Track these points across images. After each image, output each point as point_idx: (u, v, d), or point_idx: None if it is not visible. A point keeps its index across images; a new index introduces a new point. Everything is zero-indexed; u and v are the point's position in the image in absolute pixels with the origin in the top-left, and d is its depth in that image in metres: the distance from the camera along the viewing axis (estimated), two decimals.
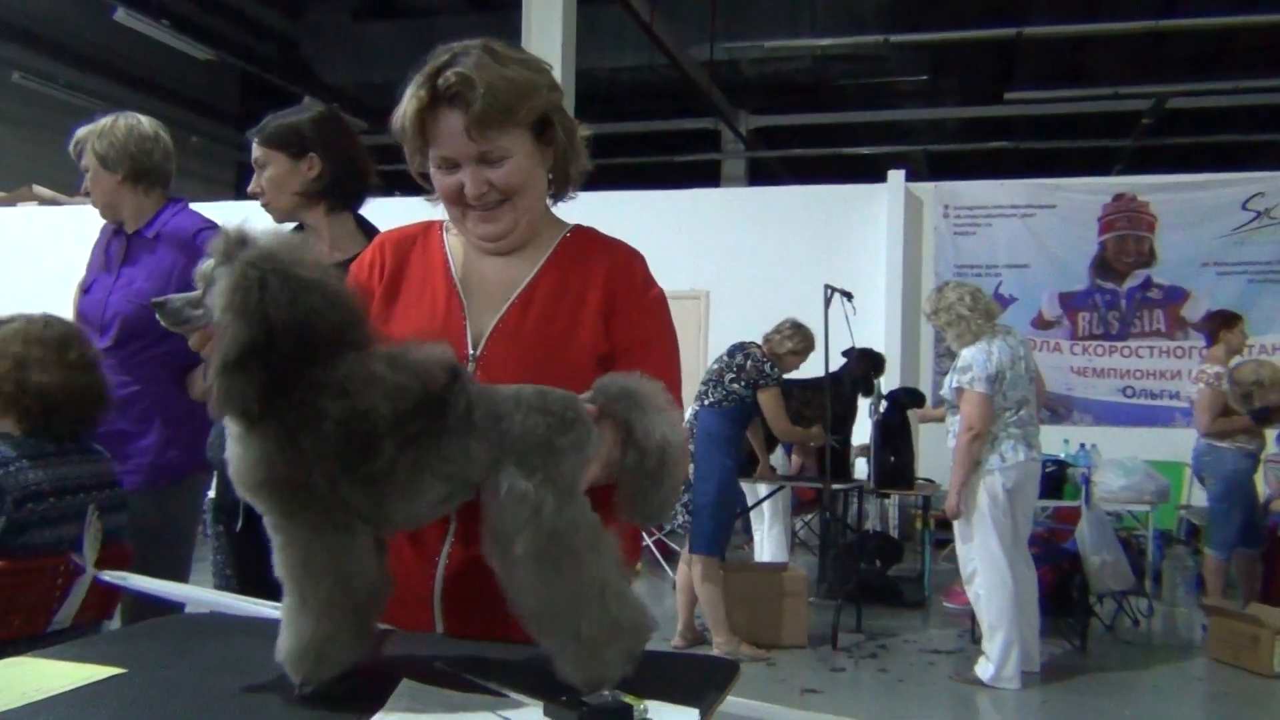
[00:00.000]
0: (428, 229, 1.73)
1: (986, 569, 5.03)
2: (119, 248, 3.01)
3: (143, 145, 2.96)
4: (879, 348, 7.81)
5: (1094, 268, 9.10)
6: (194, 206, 3.08)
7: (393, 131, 1.58)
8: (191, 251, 2.89)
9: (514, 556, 1.22)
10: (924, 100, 11.98)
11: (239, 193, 14.23)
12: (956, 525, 5.12)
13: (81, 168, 2.99)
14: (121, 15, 9.40)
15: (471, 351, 1.57)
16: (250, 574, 2.39)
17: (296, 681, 1.21)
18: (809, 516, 8.88)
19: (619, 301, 1.62)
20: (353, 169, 2.62)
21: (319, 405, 1.20)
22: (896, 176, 9.29)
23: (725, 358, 5.69)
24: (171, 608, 2.41)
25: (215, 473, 2.81)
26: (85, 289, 3.04)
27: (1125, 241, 9.02)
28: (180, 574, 2.86)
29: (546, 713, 1.14)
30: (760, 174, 13.78)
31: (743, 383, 5.56)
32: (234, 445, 1.24)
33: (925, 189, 9.43)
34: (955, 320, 5.09)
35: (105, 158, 2.92)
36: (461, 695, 1.21)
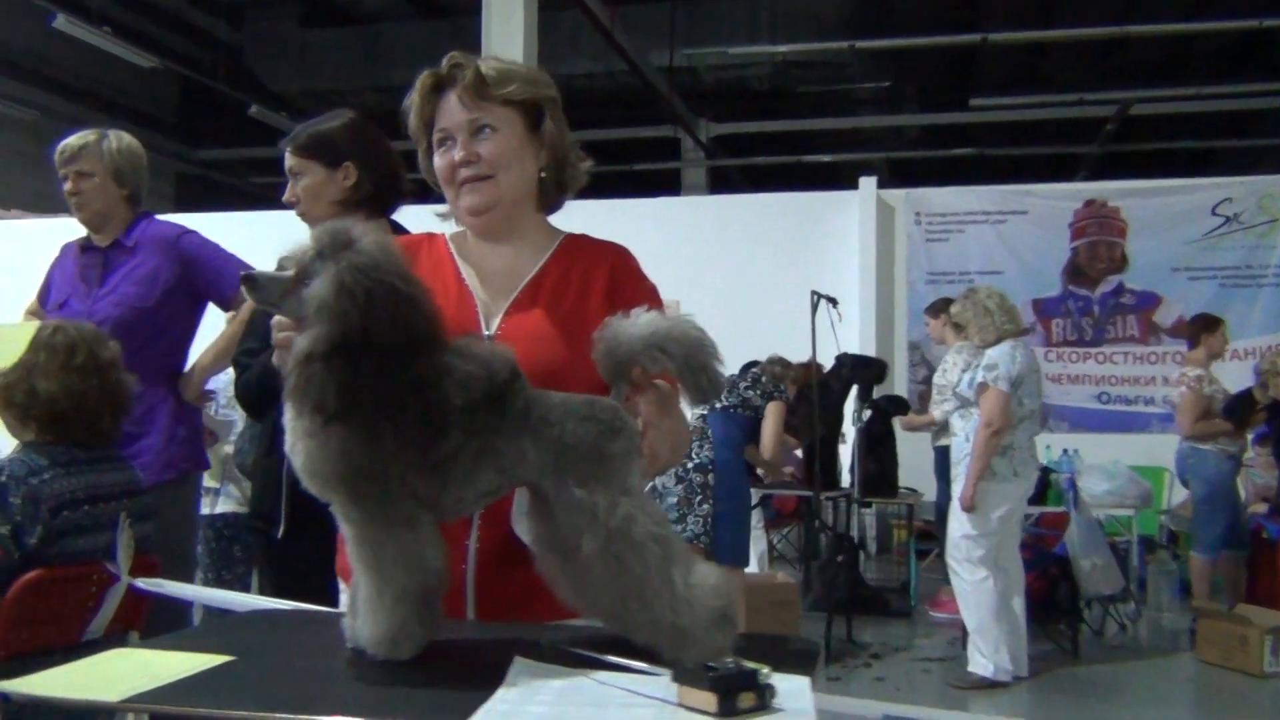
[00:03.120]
0: (431, 237, 1.82)
1: (988, 571, 5.01)
2: (95, 261, 3.10)
3: (142, 163, 3.16)
4: None
5: (1066, 274, 9.10)
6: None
7: (407, 128, 1.71)
8: (175, 254, 3.06)
9: (581, 562, 1.28)
10: (886, 107, 11.96)
11: (178, 204, 13.83)
12: (966, 518, 5.02)
13: (72, 175, 3.05)
14: (61, 22, 9.03)
15: (486, 332, 1.65)
16: (294, 580, 2.34)
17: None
18: (787, 529, 8.75)
19: (622, 288, 1.72)
20: (388, 175, 2.62)
21: (401, 401, 1.24)
22: (868, 184, 9.23)
23: (736, 373, 5.69)
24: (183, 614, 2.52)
25: (245, 481, 2.75)
26: (60, 305, 3.10)
27: (1097, 247, 9.03)
28: (183, 574, 2.91)
29: (676, 679, 1.14)
30: (720, 182, 13.68)
31: (758, 390, 5.54)
32: (305, 441, 1.26)
33: (896, 196, 9.38)
34: (981, 313, 5.12)
35: (121, 173, 3.08)
36: (576, 670, 1.22)
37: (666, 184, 13.10)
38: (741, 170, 13.94)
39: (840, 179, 11.19)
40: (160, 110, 14.24)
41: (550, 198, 1.77)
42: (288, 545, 2.42)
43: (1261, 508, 6.55)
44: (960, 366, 6.07)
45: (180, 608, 2.85)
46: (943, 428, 6.62)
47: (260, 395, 2.38)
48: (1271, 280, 8.74)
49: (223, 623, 1.68)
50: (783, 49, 10.81)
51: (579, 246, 1.79)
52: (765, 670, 1.14)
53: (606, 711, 1.11)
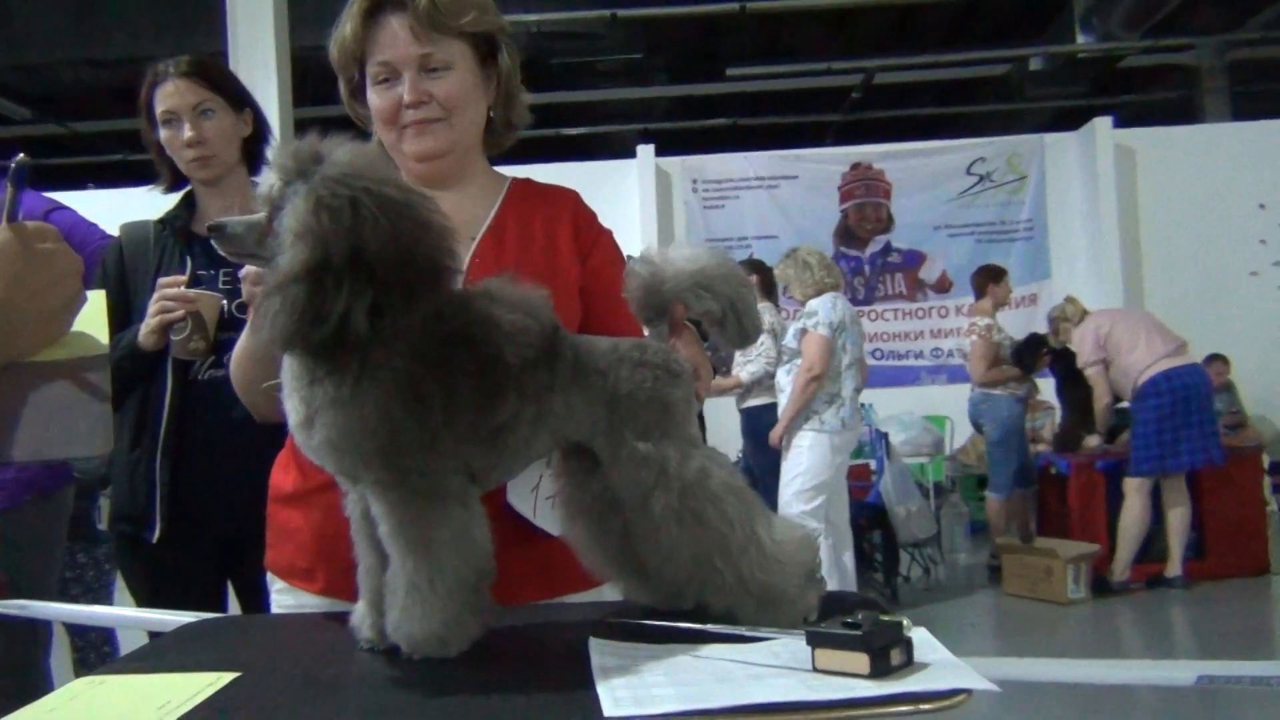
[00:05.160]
0: None
1: (819, 524, 5.06)
2: None
3: None
4: None
5: (838, 235, 9.41)
6: None
7: (330, 57, 1.53)
8: None
9: (652, 520, 1.14)
10: (637, 78, 11.94)
11: None
12: (797, 475, 5.06)
13: None
14: None
15: None
16: (175, 587, 2.14)
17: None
18: None
19: (585, 236, 1.63)
20: (264, 133, 2.34)
21: (446, 355, 1.09)
22: (646, 152, 9.22)
23: None
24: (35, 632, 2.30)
25: (109, 484, 2.48)
26: None
27: (865, 209, 9.38)
28: (48, 594, 2.56)
29: (811, 642, 1.00)
30: None
31: None
32: (332, 412, 1.07)
33: (673, 163, 9.41)
34: (802, 268, 5.28)
35: None
36: (658, 646, 1.09)
37: None
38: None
39: (594, 149, 11.08)
40: None
41: (499, 137, 1.64)
42: (165, 549, 2.16)
43: (1042, 447, 6.95)
44: (765, 327, 6.11)
45: (34, 639, 2.53)
46: (748, 389, 6.63)
47: (121, 382, 2.03)
48: (1022, 235, 9.35)
49: (183, 639, 1.35)
50: (533, 18, 10.57)
51: (530, 191, 1.67)
52: (907, 623, 1.03)
53: (742, 686, 0.97)
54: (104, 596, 3.60)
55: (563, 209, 1.64)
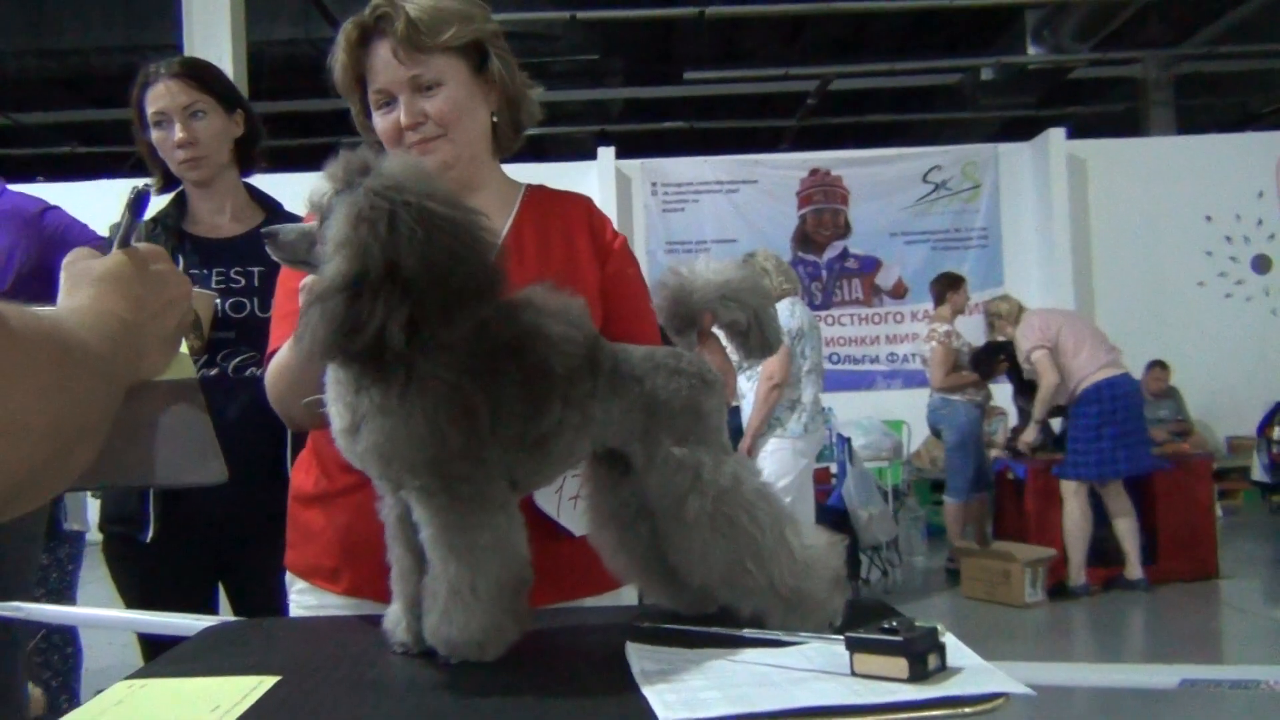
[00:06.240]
0: None
1: None
2: None
3: None
4: None
5: (796, 240, 9.48)
6: None
7: (334, 83, 1.55)
8: (36, 232, 2.59)
9: (685, 524, 1.16)
10: (593, 80, 11.95)
11: None
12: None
13: None
14: None
15: None
16: (168, 590, 2.12)
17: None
18: None
19: (601, 242, 1.64)
20: (256, 134, 2.32)
21: (494, 365, 1.10)
22: (606, 154, 9.22)
23: None
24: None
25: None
26: None
27: (823, 215, 9.45)
28: (28, 595, 2.53)
29: (850, 647, 1.02)
30: None
31: None
32: (379, 419, 1.08)
33: (633, 166, 9.42)
34: (759, 275, 5.09)
35: None
36: (694, 651, 1.11)
37: None
38: None
39: (557, 151, 11.05)
40: None
41: (507, 140, 1.64)
42: (158, 550, 2.14)
43: (996, 452, 7.04)
44: None
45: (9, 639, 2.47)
46: None
47: None
48: (977, 243, 9.48)
49: (212, 643, 1.33)
50: (496, 18, 10.51)
51: (544, 197, 1.67)
52: (941, 628, 1.05)
53: (785, 690, 0.98)
54: (67, 598, 3.53)
55: (578, 215, 1.65)
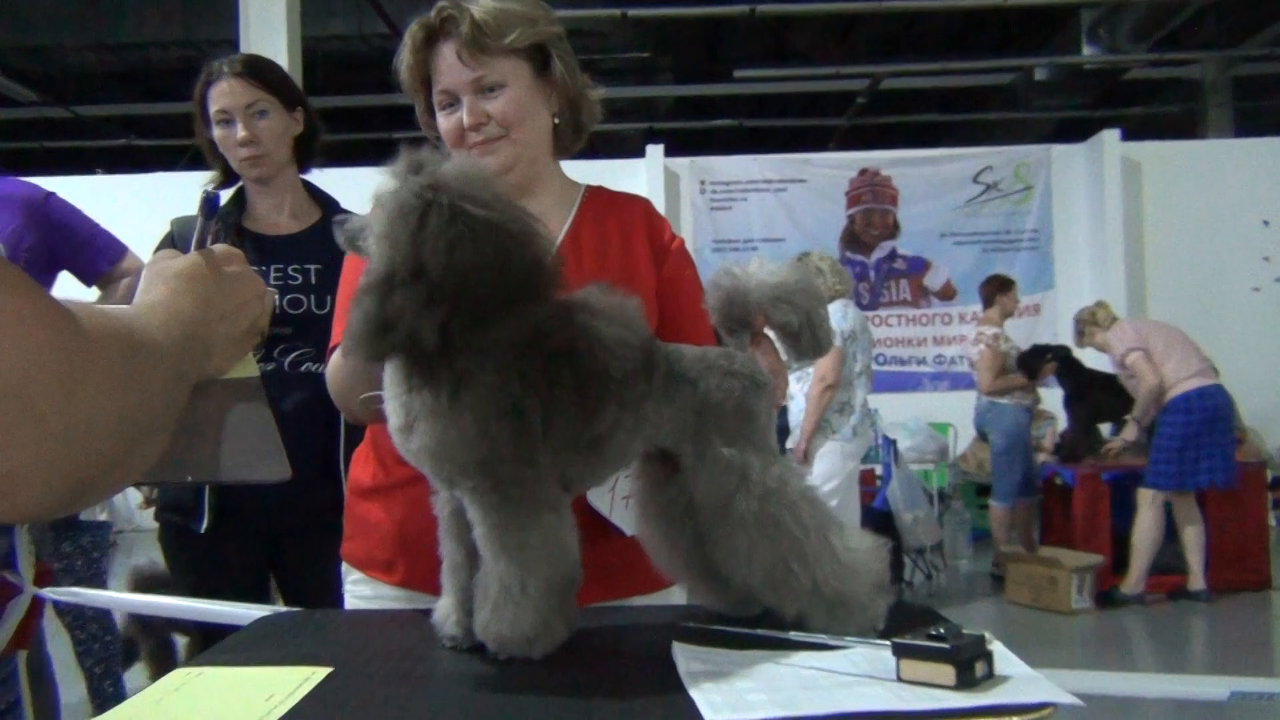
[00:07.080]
0: None
1: None
2: None
3: None
4: None
5: (844, 240, 9.43)
6: None
7: (399, 82, 1.58)
8: (41, 218, 2.67)
9: (731, 524, 1.17)
10: (643, 78, 11.95)
11: None
12: (811, 479, 5.06)
13: None
14: None
15: None
16: (222, 579, 2.16)
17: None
18: None
19: (659, 244, 1.66)
20: (316, 130, 2.37)
21: (549, 368, 1.10)
22: (655, 152, 9.23)
23: None
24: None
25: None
26: None
27: (871, 214, 9.39)
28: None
29: (897, 653, 1.02)
30: None
31: None
32: (430, 422, 1.08)
33: (681, 164, 9.42)
34: (814, 275, 5.07)
35: None
36: (740, 652, 1.12)
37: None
38: None
39: (606, 149, 11.05)
40: None
41: (568, 142, 1.66)
42: (212, 540, 2.19)
43: (1044, 456, 6.96)
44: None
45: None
46: None
47: None
48: (1027, 245, 9.38)
49: (264, 633, 1.35)
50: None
51: (603, 199, 1.70)
52: (989, 636, 1.05)
53: (832, 694, 0.98)
54: (99, 585, 3.56)
55: (636, 216, 1.66)
